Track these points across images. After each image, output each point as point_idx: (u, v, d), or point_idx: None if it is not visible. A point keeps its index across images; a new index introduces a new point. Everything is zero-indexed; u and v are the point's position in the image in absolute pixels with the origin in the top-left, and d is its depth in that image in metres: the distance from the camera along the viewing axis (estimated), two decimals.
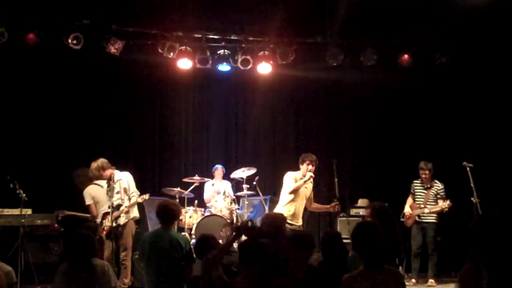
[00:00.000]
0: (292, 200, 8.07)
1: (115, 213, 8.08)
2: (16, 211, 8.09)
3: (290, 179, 8.15)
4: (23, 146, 10.04)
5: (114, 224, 7.95)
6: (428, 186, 9.58)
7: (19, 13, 9.42)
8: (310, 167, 8.10)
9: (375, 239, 4.13)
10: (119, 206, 8.19)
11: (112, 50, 9.90)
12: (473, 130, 10.83)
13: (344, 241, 5.30)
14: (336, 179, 8.48)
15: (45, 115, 10.37)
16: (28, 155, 9.84)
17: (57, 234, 8.42)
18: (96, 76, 10.74)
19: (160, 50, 10.27)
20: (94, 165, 8.24)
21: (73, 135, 10.53)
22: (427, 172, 9.57)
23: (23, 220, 7.92)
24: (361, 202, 10.32)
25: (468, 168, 8.73)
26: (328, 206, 8.42)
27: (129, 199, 8.25)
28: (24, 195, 8.25)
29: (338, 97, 11.85)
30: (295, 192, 8.04)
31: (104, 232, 8.08)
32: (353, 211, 10.31)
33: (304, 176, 8.09)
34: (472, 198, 8.57)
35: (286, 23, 10.27)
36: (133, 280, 8.53)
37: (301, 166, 8.19)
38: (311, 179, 8.15)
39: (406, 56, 10.74)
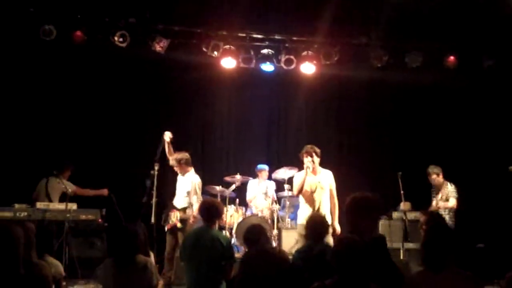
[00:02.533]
0: (307, 199, 7.79)
1: (183, 215, 8.41)
2: (61, 206, 8.21)
3: (295, 180, 7.93)
4: (73, 142, 10.23)
5: (179, 225, 8.32)
6: (438, 190, 9.47)
7: (67, 12, 9.58)
8: (307, 158, 7.75)
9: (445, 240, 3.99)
10: (185, 208, 8.51)
11: (158, 48, 9.99)
12: None
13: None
14: (402, 192, 8.31)
15: (92, 112, 10.55)
16: (78, 152, 10.00)
17: (101, 229, 8.54)
18: (141, 74, 10.90)
19: (204, 49, 10.31)
20: (176, 155, 8.75)
21: (118, 133, 10.69)
22: (433, 177, 9.49)
23: (68, 215, 8.03)
24: (404, 205, 10.13)
25: None
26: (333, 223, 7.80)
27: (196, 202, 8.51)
28: (70, 190, 8.40)
29: (381, 98, 11.75)
30: (301, 191, 7.76)
31: (168, 227, 8.44)
32: (395, 214, 10.13)
33: (308, 168, 7.72)
34: None
35: (330, 24, 10.20)
36: (174, 277, 8.61)
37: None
38: (309, 169, 7.73)
39: (452, 57, 10.58)
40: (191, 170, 8.81)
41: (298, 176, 7.94)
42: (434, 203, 9.50)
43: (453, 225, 9.15)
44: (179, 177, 8.85)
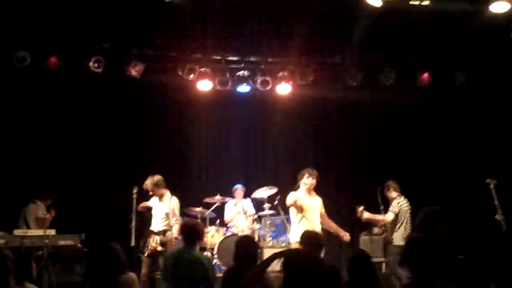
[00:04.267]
0: (302, 218, 8.16)
1: (163, 238, 8.47)
2: (40, 232, 8.12)
3: (290, 198, 8.23)
4: (47, 169, 10.11)
5: (160, 249, 8.38)
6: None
7: (41, 37, 9.53)
8: (309, 179, 8.26)
9: (428, 252, 4.03)
10: (165, 231, 8.54)
11: (133, 73, 10.00)
12: (494, 148, 10.75)
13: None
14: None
15: (67, 138, 10.46)
16: (53, 178, 9.90)
17: (80, 254, 8.45)
18: (117, 98, 10.86)
19: (180, 72, 10.35)
20: (150, 179, 8.72)
21: (95, 157, 10.61)
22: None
23: (46, 241, 7.94)
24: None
25: (491, 185, 8.59)
26: (341, 230, 8.46)
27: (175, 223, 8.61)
28: (48, 216, 8.32)
29: (357, 116, 11.87)
30: (293, 204, 8.14)
31: (148, 252, 8.45)
32: (375, 230, 10.19)
33: (307, 185, 8.22)
34: (496, 216, 8.44)
35: (304, 44, 10.31)
36: None
37: (301, 180, 8.28)
38: (306, 186, 8.23)
39: (425, 75, 10.72)
40: (167, 193, 8.82)
41: (294, 194, 8.27)
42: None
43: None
44: (154, 201, 8.87)
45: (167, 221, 8.63)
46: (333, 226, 8.54)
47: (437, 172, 11.13)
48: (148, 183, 8.71)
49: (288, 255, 3.57)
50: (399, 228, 9.01)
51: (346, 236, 8.44)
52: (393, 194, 9.30)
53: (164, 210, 8.68)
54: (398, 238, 8.88)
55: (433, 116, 11.38)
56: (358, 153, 11.94)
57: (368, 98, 11.23)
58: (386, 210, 9.08)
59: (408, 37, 10.27)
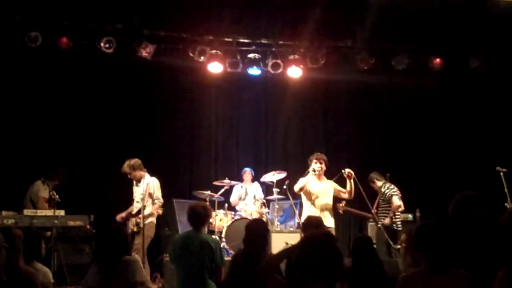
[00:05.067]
0: (312, 204, 8.16)
1: (136, 219, 8.59)
2: (49, 212, 8.16)
3: (297, 184, 8.25)
4: (56, 149, 10.15)
5: (135, 229, 8.53)
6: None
7: (52, 17, 9.53)
8: (317, 164, 8.19)
9: (442, 238, 3.87)
10: (139, 211, 8.56)
11: (144, 54, 9.96)
12: (506, 135, 10.67)
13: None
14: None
15: (77, 117, 10.49)
16: (62, 158, 9.94)
17: (89, 235, 8.49)
18: (127, 79, 10.86)
19: (191, 54, 10.29)
20: (126, 162, 8.75)
21: (105, 138, 10.66)
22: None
23: (56, 221, 7.97)
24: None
25: (501, 173, 8.55)
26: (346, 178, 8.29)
27: (153, 203, 8.66)
28: (57, 196, 8.36)
29: (368, 101, 11.80)
30: (302, 189, 8.16)
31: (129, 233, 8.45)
32: None
33: (314, 171, 8.17)
34: (506, 204, 8.40)
35: (317, 27, 10.22)
36: (164, 282, 8.58)
37: (310, 166, 8.26)
38: (315, 173, 8.18)
39: (438, 60, 10.63)
40: (146, 175, 8.78)
41: (303, 179, 8.25)
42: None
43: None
44: (134, 186, 8.92)
45: (142, 203, 8.60)
46: (348, 188, 8.36)
47: (448, 158, 11.08)
48: (125, 166, 8.74)
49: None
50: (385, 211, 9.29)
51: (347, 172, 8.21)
52: (378, 183, 9.51)
53: (140, 192, 8.71)
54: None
55: (446, 101, 11.29)
56: (369, 137, 11.91)
57: (380, 82, 11.15)
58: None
59: (420, 21, 10.16)
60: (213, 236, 8.45)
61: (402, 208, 9.30)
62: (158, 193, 8.78)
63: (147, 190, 8.57)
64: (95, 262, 5.10)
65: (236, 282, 5.41)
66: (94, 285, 4.96)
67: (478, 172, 9.86)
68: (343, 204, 9.38)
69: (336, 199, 8.74)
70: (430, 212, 9.33)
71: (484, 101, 11.07)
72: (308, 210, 8.16)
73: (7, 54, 9.65)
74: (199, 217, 6.22)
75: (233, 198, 10.61)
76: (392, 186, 9.37)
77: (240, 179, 10.67)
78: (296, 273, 3.24)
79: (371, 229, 10.05)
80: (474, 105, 11.16)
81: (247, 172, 10.70)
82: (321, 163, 8.24)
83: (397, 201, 9.16)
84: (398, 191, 9.31)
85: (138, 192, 8.79)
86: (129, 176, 8.79)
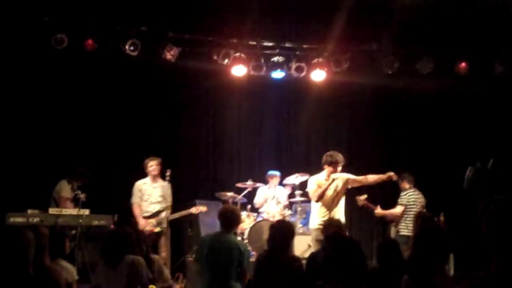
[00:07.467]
0: (323, 204, 8.15)
1: (156, 219, 8.88)
2: (74, 211, 8.27)
3: (313, 185, 8.23)
4: (82, 149, 10.27)
5: (157, 230, 8.82)
6: None
7: (78, 20, 9.62)
8: (334, 168, 8.18)
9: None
10: (158, 212, 8.83)
11: (168, 56, 10.01)
12: None
13: None
14: None
15: (102, 119, 10.60)
16: (88, 158, 10.06)
17: None
18: (152, 82, 10.94)
19: (215, 57, 10.31)
20: (156, 160, 9.23)
21: (130, 140, 10.74)
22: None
23: (80, 220, 8.08)
24: None
25: None
26: (382, 175, 8.36)
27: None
28: (83, 195, 8.45)
29: (392, 105, 11.76)
30: (321, 198, 8.11)
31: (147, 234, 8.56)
32: None
33: (328, 178, 8.16)
34: None
35: (341, 31, 10.20)
36: (186, 283, 8.62)
37: (325, 167, 8.24)
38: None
39: (463, 64, 10.54)
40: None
41: (313, 181, 8.27)
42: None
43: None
44: (147, 186, 9.17)
45: (163, 203, 8.98)
46: (374, 178, 8.44)
47: (473, 163, 10.96)
48: (156, 163, 9.10)
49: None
50: (407, 219, 9.24)
51: (389, 175, 8.32)
52: (405, 185, 9.58)
53: (158, 194, 9.09)
54: (404, 229, 9.22)
55: (470, 106, 11.20)
56: (393, 141, 11.84)
57: (405, 86, 11.08)
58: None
59: (446, 26, 10.10)
60: (239, 238, 8.49)
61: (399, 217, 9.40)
62: (170, 196, 9.03)
63: (165, 191, 8.88)
64: (103, 259, 5.47)
65: (262, 282, 5.46)
66: (99, 280, 5.41)
67: (505, 176, 9.73)
68: (363, 198, 9.31)
69: (356, 190, 8.73)
70: (454, 216, 9.32)
71: (509, 107, 10.95)
72: (318, 210, 8.21)
73: (33, 56, 9.79)
74: (231, 219, 6.31)
75: (258, 200, 10.56)
76: (415, 193, 9.37)
77: (264, 181, 10.64)
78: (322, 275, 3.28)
79: (394, 231, 9.98)
80: (498, 110, 11.05)
81: (277, 177, 10.59)
82: (333, 167, 8.21)
83: (397, 209, 9.34)
84: (418, 200, 9.31)
85: (155, 193, 8.97)
86: (154, 173, 9.10)
